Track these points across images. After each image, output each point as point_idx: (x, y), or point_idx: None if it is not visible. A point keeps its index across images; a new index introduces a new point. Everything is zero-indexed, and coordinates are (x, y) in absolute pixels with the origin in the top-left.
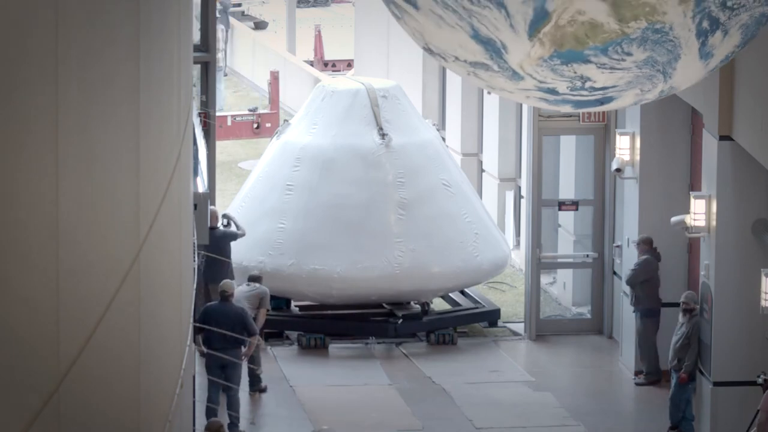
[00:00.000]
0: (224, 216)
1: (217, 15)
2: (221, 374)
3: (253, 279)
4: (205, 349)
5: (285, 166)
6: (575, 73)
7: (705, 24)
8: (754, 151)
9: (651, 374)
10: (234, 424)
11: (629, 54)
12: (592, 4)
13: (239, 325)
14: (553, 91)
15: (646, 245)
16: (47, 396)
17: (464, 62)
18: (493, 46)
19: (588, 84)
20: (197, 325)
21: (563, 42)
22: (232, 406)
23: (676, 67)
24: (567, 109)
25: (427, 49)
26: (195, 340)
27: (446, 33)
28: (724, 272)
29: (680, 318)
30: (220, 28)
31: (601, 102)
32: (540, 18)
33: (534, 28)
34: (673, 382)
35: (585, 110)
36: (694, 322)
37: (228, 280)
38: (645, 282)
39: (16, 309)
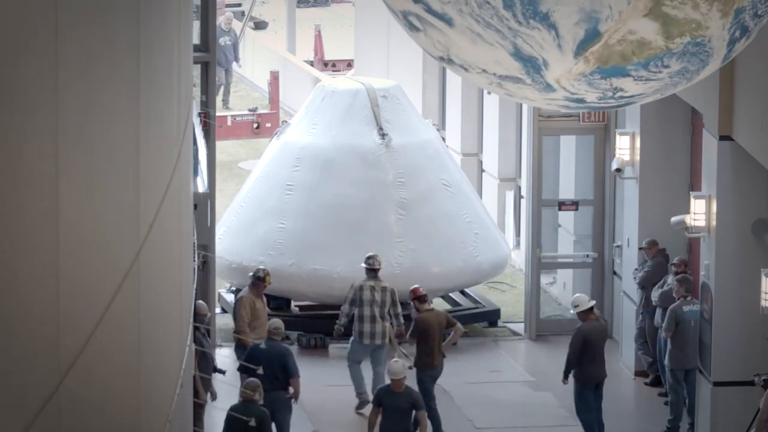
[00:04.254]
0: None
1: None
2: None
3: None
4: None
5: (285, 166)
6: (611, 85)
7: (737, 33)
8: (754, 151)
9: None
10: None
11: (667, 66)
12: (644, 23)
13: (279, 365)
14: (580, 101)
15: (656, 247)
16: (47, 396)
17: (492, 75)
18: (534, 63)
19: (618, 94)
20: (244, 363)
21: (609, 59)
22: None
23: (701, 73)
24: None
25: (446, 60)
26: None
27: (482, 49)
28: (724, 272)
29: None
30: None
31: (620, 105)
32: (590, 38)
33: (582, 48)
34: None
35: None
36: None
37: (277, 320)
38: (656, 284)
39: (17, 309)
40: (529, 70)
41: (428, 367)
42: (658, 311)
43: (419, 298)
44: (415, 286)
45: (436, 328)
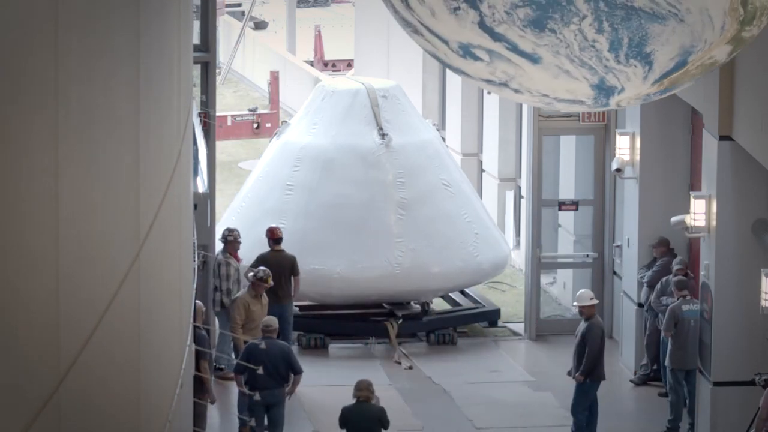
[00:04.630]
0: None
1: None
2: (265, 415)
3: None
4: (246, 390)
5: (285, 166)
6: (661, 97)
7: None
8: (754, 151)
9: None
10: None
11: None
12: (722, 49)
13: (284, 363)
14: (618, 107)
15: (665, 246)
16: (47, 396)
17: (552, 98)
18: (610, 91)
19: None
20: (242, 363)
21: (679, 82)
22: None
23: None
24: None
25: (498, 84)
26: (237, 381)
27: (561, 82)
28: (724, 272)
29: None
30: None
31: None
32: (678, 68)
33: (665, 76)
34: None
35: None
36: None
37: (270, 317)
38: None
39: (17, 309)
40: (600, 96)
41: None
42: (660, 315)
43: (274, 238)
44: (274, 226)
45: (274, 268)
